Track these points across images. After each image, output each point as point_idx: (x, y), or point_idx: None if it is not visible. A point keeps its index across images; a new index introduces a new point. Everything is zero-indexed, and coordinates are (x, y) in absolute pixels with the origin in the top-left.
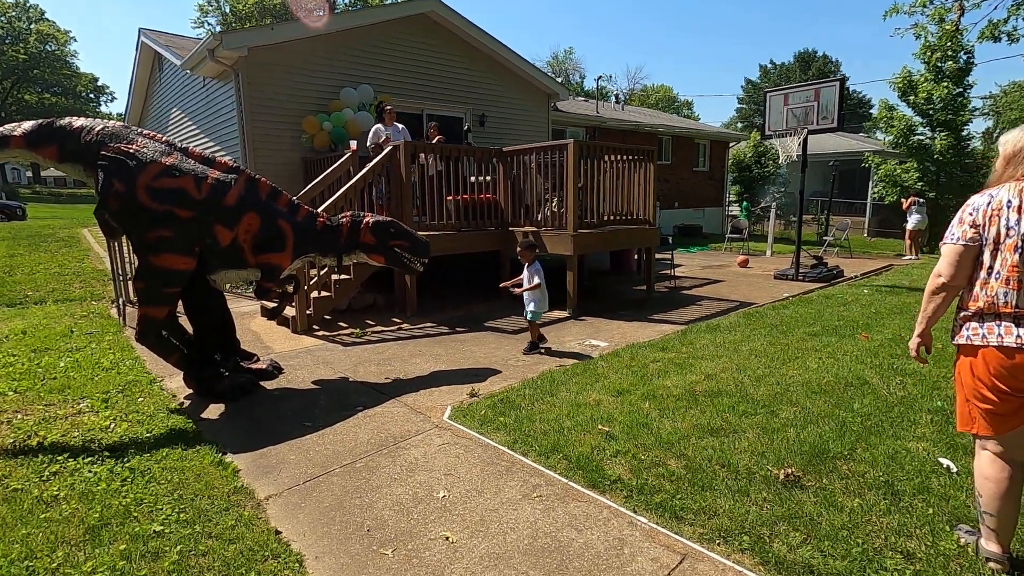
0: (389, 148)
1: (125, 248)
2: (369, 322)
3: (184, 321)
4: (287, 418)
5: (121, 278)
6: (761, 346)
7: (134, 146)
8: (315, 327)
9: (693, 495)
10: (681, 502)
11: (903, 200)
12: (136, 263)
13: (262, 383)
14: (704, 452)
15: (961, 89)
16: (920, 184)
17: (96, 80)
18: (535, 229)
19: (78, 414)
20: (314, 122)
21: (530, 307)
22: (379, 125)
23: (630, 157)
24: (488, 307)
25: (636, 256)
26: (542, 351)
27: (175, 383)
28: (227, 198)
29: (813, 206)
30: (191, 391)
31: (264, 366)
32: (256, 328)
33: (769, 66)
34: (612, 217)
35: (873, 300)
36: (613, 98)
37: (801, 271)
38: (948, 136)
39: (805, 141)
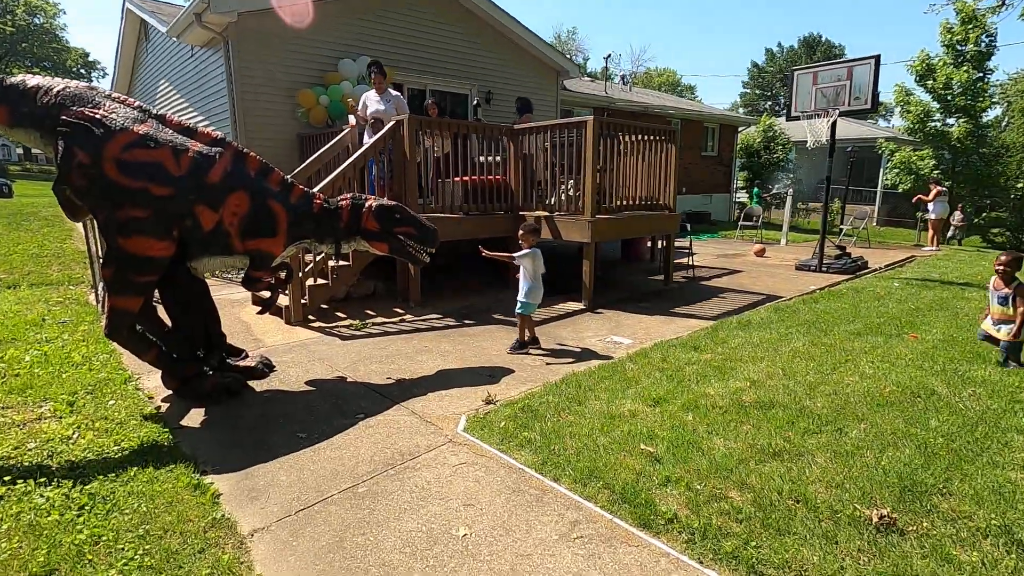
0: (392, 123)
1: None
2: (369, 312)
3: (163, 313)
4: (278, 427)
5: (100, 261)
6: (803, 347)
7: (100, 111)
8: (311, 317)
9: (770, 541)
10: (758, 552)
11: (929, 189)
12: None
13: (251, 383)
14: (771, 482)
15: (982, 74)
16: (936, 172)
17: (87, 55)
18: (548, 214)
19: (38, 420)
20: (310, 95)
21: (521, 296)
22: (370, 92)
23: (651, 137)
24: (496, 298)
25: (649, 244)
26: (528, 351)
27: (153, 382)
28: (211, 174)
29: (822, 194)
30: (170, 392)
31: (253, 363)
32: (246, 318)
33: (776, 49)
34: (630, 202)
35: (908, 295)
36: (619, 79)
37: (824, 262)
38: (967, 123)
39: (834, 124)
